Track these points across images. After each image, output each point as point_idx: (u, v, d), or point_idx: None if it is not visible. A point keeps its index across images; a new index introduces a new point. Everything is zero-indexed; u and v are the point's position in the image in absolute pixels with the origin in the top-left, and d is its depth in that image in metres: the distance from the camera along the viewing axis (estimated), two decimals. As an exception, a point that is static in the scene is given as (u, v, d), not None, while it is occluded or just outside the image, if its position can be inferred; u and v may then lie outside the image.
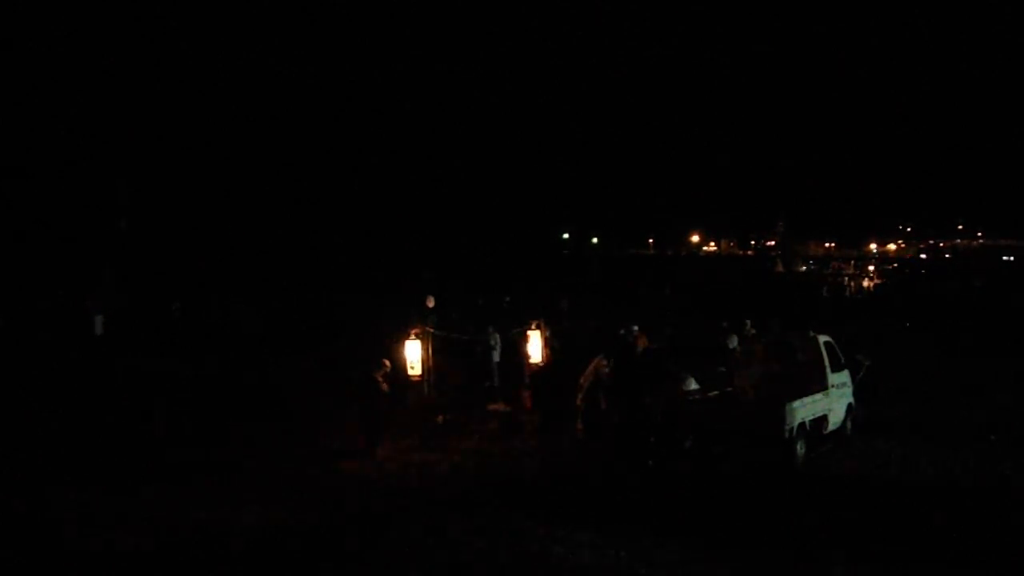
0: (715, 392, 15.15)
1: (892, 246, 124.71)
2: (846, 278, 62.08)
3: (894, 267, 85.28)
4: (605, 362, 15.31)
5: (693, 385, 15.19)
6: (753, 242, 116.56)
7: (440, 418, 16.38)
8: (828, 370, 14.78)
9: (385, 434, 14.95)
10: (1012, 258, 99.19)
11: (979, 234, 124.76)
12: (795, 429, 13.37)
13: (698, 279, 59.97)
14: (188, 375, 21.56)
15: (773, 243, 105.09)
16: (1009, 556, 9.62)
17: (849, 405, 15.45)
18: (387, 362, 15.27)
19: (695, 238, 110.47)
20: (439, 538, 10.29)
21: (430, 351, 17.20)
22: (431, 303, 21.14)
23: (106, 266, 41.21)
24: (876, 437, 15.24)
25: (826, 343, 15.21)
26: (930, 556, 9.57)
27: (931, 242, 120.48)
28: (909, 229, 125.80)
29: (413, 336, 15.83)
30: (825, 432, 14.52)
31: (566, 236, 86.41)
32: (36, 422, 16.72)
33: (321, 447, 14.88)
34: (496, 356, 19.49)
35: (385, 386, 14.81)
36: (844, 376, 15.36)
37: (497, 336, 19.47)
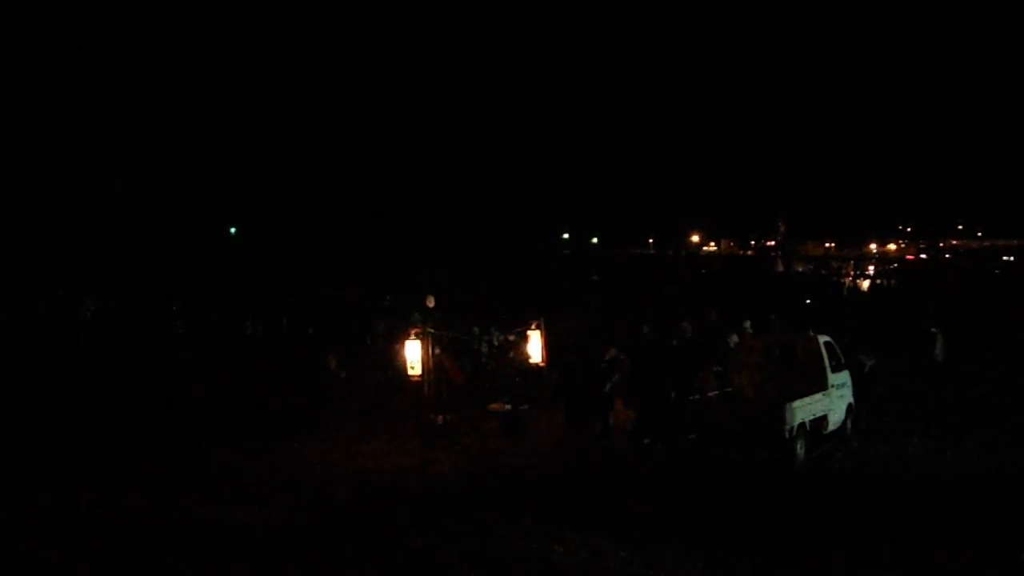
0: (715, 392, 15.17)
1: (892, 246, 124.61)
2: (848, 279, 62.09)
3: (894, 267, 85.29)
4: (623, 356, 16.37)
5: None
6: (753, 242, 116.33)
7: (440, 418, 16.36)
8: (828, 370, 14.80)
9: (343, 420, 16.06)
10: (1012, 258, 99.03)
11: (979, 234, 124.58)
12: (795, 429, 13.37)
13: (697, 278, 59.90)
14: (185, 373, 21.56)
15: (773, 243, 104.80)
16: (1009, 554, 9.63)
17: (849, 405, 15.45)
18: (333, 355, 16.89)
19: (695, 238, 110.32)
20: (439, 538, 10.29)
21: (430, 351, 17.19)
22: (431, 303, 21.10)
23: (106, 266, 41.18)
24: (876, 437, 15.26)
25: (826, 343, 15.21)
26: (930, 555, 9.58)
27: (931, 242, 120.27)
28: (909, 229, 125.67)
29: (413, 336, 15.80)
30: (825, 432, 14.52)
31: (566, 236, 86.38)
32: (32, 421, 16.71)
33: (319, 446, 14.89)
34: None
35: (341, 373, 16.53)
36: (844, 376, 15.37)
37: (498, 336, 19.47)
